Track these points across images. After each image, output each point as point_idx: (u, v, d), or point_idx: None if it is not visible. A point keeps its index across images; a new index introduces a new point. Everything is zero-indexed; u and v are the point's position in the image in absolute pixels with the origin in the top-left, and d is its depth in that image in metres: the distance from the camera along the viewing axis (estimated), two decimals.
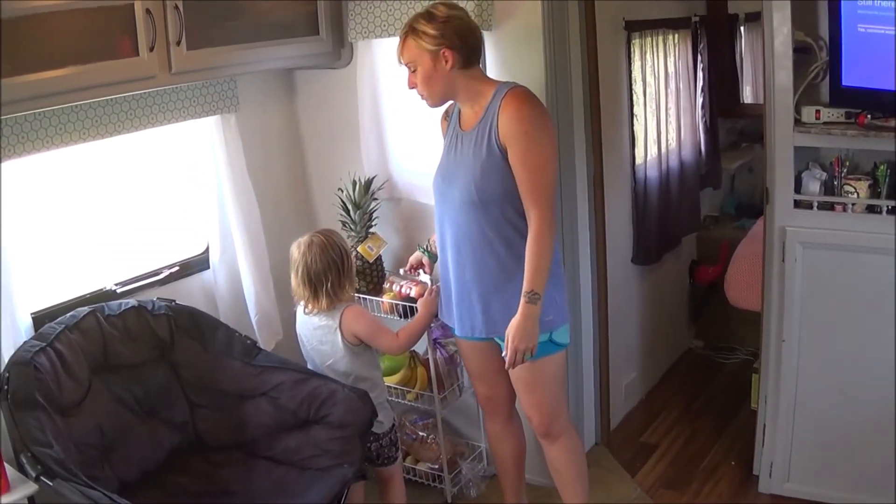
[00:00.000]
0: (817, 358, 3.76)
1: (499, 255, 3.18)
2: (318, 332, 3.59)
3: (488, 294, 3.24)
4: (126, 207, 3.86)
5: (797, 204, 3.69)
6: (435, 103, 3.25)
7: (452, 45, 3.09)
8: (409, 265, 3.88)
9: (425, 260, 3.79)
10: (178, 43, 3.32)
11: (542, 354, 3.21)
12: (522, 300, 3.06)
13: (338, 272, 3.50)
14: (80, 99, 3.21)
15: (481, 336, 3.35)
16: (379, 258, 4.14)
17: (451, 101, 3.34)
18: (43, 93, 2.99)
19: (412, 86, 3.19)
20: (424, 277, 3.82)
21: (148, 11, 3.18)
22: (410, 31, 3.11)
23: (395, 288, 3.95)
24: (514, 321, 3.09)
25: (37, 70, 2.94)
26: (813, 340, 3.75)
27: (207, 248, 4.13)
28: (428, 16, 3.11)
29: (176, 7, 3.27)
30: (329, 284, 3.49)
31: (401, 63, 3.19)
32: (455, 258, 3.29)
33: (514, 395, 3.54)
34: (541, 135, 3.08)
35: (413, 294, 3.84)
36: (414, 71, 3.15)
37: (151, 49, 3.23)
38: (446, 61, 3.10)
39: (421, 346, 3.95)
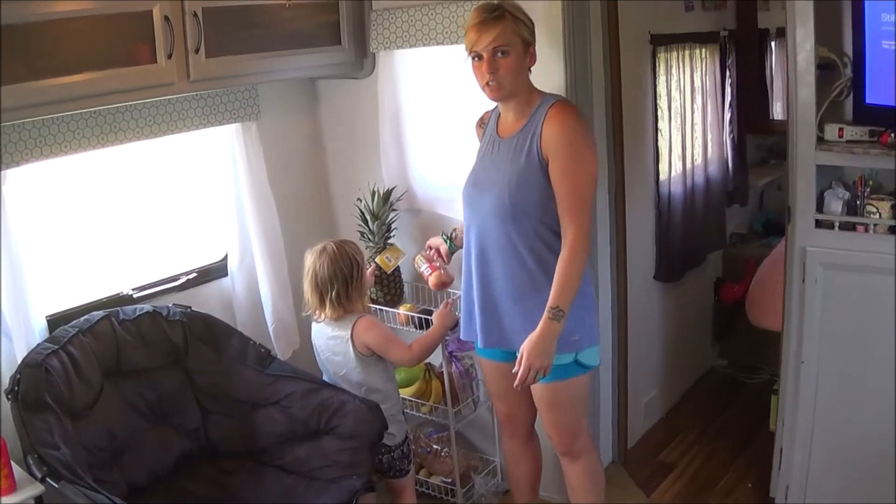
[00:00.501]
0: (837, 381, 3.67)
1: (528, 268, 3.10)
2: (331, 343, 3.58)
3: (515, 306, 3.16)
4: (146, 213, 3.88)
5: (819, 224, 3.61)
6: (502, 96, 3.08)
7: (534, 45, 3.09)
8: (427, 245, 3.77)
9: (444, 248, 3.68)
10: (197, 50, 3.32)
11: (565, 375, 3.16)
12: (545, 315, 2.98)
13: (345, 282, 3.49)
14: (96, 105, 3.23)
15: (504, 349, 3.27)
16: (397, 269, 4.12)
17: (489, 109, 3.32)
18: (60, 98, 3.01)
19: (493, 70, 2.99)
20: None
21: (166, 18, 3.19)
22: (507, 13, 2.98)
23: (422, 268, 3.80)
24: (532, 336, 2.99)
25: (54, 75, 2.96)
26: (833, 363, 3.66)
27: (226, 256, 4.13)
28: (519, 9, 3.06)
29: (195, 14, 3.28)
30: (334, 293, 3.49)
31: (473, 50, 3.01)
32: (482, 269, 3.21)
33: (535, 414, 3.49)
34: (585, 150, 3.02)
35: (429, 276, 3.74)
36: (502, 54, 2.98)
37: (169, 56, 3.23)
38: (531, 58, 3.07)
39: (437, 359, 3.94)
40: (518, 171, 3.05)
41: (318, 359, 3.71)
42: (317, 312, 3.57)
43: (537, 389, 3.24)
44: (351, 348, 3.51)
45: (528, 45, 3.05)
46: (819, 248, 3.62)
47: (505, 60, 2.99)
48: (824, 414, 3.74)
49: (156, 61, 3.22)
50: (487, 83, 3.03)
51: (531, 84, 3.15)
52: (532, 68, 3.12)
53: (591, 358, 3.23)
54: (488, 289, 3.22)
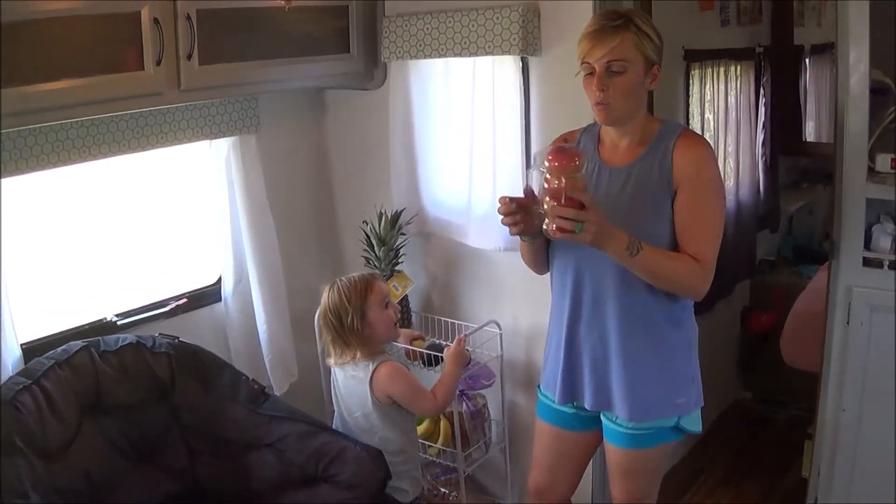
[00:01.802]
0: (881, 432, 3.41)
1: (650, 317, 2.72)
2: (349, 382, 3.34)
3: (627, 364, 2.75)
4: (133, 231, 3.68)
5: (866, 262, 3.37)
6: (611, 120, 2.66)
7: (660, 65, 2.67)
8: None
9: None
10: (189, 57, 3.10)
11: (656, 442, 2.81)
12: (627, 236, 2.49)
13: (339, 320, 3.26)
14: (77, 115, 3.01)
15: (614, 415, 2.84)
16: (405, 299, 3.91)
17: (573, 130, 2.93)
18: (39, 106, 2.82)
19: (603, 88, 2.57)
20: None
21: (156, 21, 2.96)
22: (631, 25, 2.56)
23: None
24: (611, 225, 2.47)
25: (32, 81, 2.75)
26: (877, 413, 3.41)
27: (220, 279, 3.92)
28: (648, 21, 2.63)
29: (188, 17, 3.05)
30: (333, 332, 3.29)
31: (585, 61, 2.59)
32: (598, 320, 2.77)
33: (574, 490, 3.16)
34: (719, 186, 2.73)
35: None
36: (618, 73, 2.56)
37: (158, 63, 3.02)
38: (653, 79, 2.65)
39: None
40: (644, 202, 2.67)
41: (333, 392, 3.47)
42: (332, 358, 3.36)
43: (614, 454, 2.89)
44: (368, 393, 3.25)
45: (652, 65, 2.63)
46: (866, 288, 3.37)
47: (620, 79, 2.57)
48: (865, 466, 3.50)
49: (143, 68, 2.99)
50: (598, 103, 2.63)
51: (645, 108, 2.76)
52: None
53: (695, 423, 2.85)
54: (603, 342, 2.79)
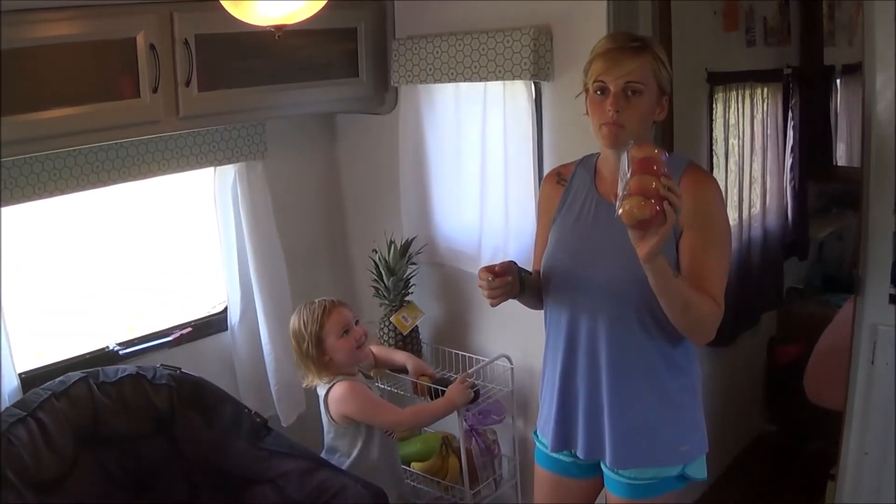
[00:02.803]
0: None
1: (649, 364, 2.57)
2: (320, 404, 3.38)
3: (626, 411, 2.61)
4: (138, 259, 3.64)
5: (893, 299, 3.22)
6: (620, 142, 2.43)
7: (669, 96, 2.57)
8: None
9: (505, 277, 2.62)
10: (188, 83, 3.02)
11: (661, 491, 2.66)
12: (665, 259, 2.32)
13: (297, 345, 3.32)
14: (72, 144, 2.96)
15: (610, 465, 2.70)
16: (415, 330, 3.81)
17: (567, 163, 2.82)
18: (32, 136, 2.75)
19: (619, 108, 2.44)
20: None
21: (152, 47, 2.89)
22: (649, 49, 2.49)
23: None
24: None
25: (27, 110, 2.69)
26: None
27: (226, 308, 3.83)
28: (662, 49, 2.54)
29: (186, 42, 2.97)
30: (296, 356, 3.36)
31: (600, 79, 2.47)
32: (593, 364, 2.63)
33: None
34: (727, 226, 2.62)
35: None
36: (633, 93, 2.45)
37: (155, 90, 2.93)
38: (661, 110, 2.55)
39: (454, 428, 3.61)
40: None
41: None
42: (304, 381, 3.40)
43: None
44: (325, 414, 3.31)
45: (663, 95, 2.53)
46: (892, 326, 3.22)
47: (636, 101, 2.46)
48: None
49: (139, 95, 2.92)
50: (605, 123, 2.48)
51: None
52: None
53: (699, 470, 2.71)
54: (597, 387, 2.66)
